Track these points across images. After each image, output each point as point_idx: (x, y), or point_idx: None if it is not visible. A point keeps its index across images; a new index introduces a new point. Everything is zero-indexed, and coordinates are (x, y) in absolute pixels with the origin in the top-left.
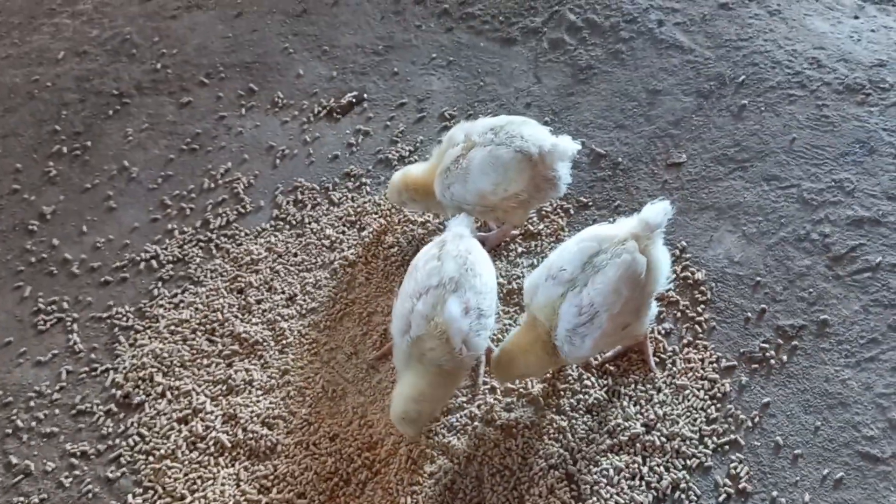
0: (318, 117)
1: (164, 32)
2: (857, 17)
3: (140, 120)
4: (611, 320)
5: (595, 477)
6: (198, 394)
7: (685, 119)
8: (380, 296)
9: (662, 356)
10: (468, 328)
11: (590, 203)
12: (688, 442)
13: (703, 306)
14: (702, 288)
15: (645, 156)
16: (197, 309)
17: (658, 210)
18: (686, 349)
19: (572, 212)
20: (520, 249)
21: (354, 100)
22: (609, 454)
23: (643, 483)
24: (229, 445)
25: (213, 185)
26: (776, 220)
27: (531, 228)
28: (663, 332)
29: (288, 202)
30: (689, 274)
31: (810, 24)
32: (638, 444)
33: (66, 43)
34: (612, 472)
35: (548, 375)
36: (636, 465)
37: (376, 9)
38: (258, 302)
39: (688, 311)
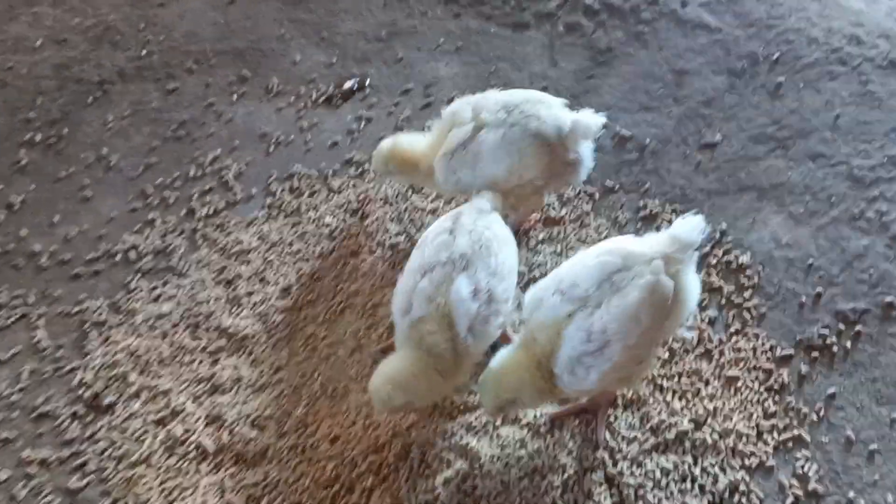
0: (317, 104)
1: (151, 20)
2: None
3: (122, 107)
4: (623, 352)
5: (639, 479)
6: (178, 393)
7: (717, 98)
8: (385, 286)
9: (708, 346)
10: (476, 313)
11: (616, 187)
12: (744, 439)
13: (750, 291)
14: (748, 272)
15: (675, 137)
16: (179, 302)
17: (691, 226)
18: (735, 337)
19: (597, 196)
20: (541, 236)
21: (356, 86)
22: (654, 454)
23: (695, 486)
24: (213, 450)
25: (200, 172)
26: (825, 199)
27: (553, 214)
28: (707, 320)
29: (283, 189)
30: (733, 258)
31: (844, 2)
32: (687, 443)
33: (45, 31)
34: (658, 473)
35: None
36: (686, 466)
37: None
38: (248, 294)
39: (733, 297)
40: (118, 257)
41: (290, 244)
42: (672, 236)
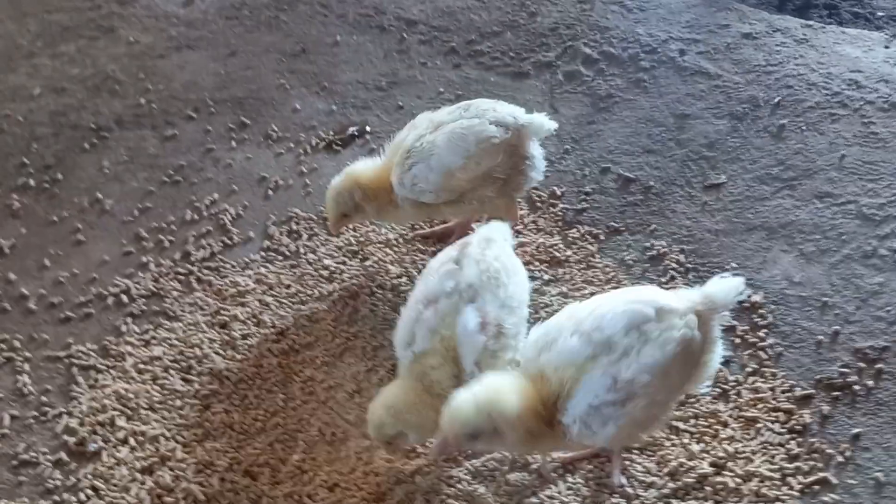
0: (317, 149)
1: (150, 70)
2: (887, 47)
3: (118, 153)
4: (647, 408)
5: None
6: (167, 439)
7: (720, 141)
8: (386, 329)
9: (724, 386)
10: (483, 348)
11: (622, 228)
12: (768, 483)
13: (764, 331)
14: (761, 311)
15: (679, 179)
16: (171, 345)
17: (728, 287)
18: (751, 378)
19: (602, 237)
20: (546, 277)
21: (356, 133)
22: (674, 500)
23: None
24: (203, 499)
25: (196, 216)
26: (836, 237)
27: (558, 255)
28: (722, 359)
29: (281, 232)
30: (745, 297)
31: (841, 50)
32: (708, 487)
33: (43, 81)
34: None
35: None
36: None
37: (379, 48)
38: (244, 337)
39: (747, 336)
40: (109, 301)
41: (288, 287)
42: (706, 295)
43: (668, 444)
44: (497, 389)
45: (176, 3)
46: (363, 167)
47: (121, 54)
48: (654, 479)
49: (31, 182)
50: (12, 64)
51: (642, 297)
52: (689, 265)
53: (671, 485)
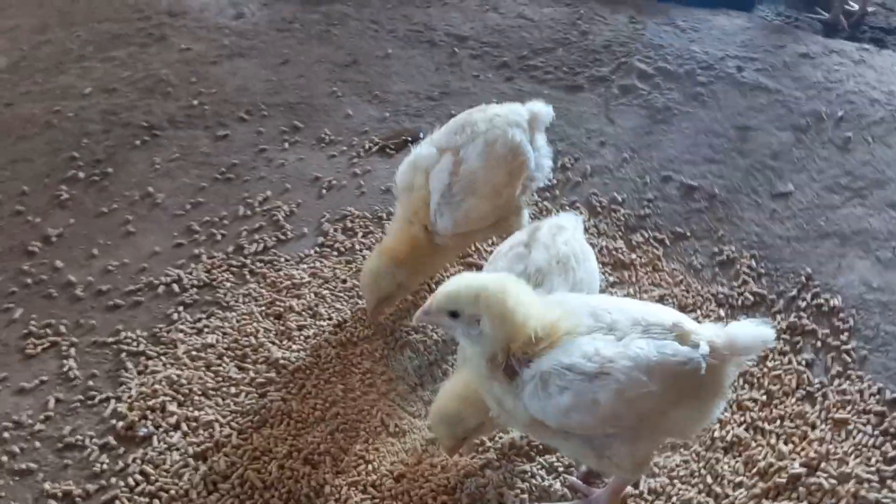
0: (370, 152)
1: (202, 75)
2: None
3: (170, 151)
4: (616, 407)
5: None
6: (222, 425)
7: (784, 152)
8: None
9: (809, 389)
10: None
11: (688, 234)
12: (866, 485)
13: (846, 334)
14: (841, 315)
15: (745, 187)
16: (225, 334)
17: (755, 334)
18: (837, 380)
19: (668, 242)
20: (612, 279)
21: (410, 138)
22: (764, 500)
23: None
24: (261, 485)
25: (248, 212)
26: None
27: (622, 258)
28: (804, 362)
29: (336, 230)
30: (823, 301)
31: None
32: (801, 488)
33: (94, 82)
34: None
35: None
36: None
37: (430, 61)
38: (300, 328)
39: (829, 339)
40: (160, 290)
41: (344, 281)
42: (730, 337)
43: (753, 444)
44: (502, 286)
45: (227, 15)
46: (390, 240)
47: (172, 60)
48: (742, 478)
49: (81, 175)
50: (62, 66)
51: (668, 312)
52: (761, 270)
53: (761, 485)
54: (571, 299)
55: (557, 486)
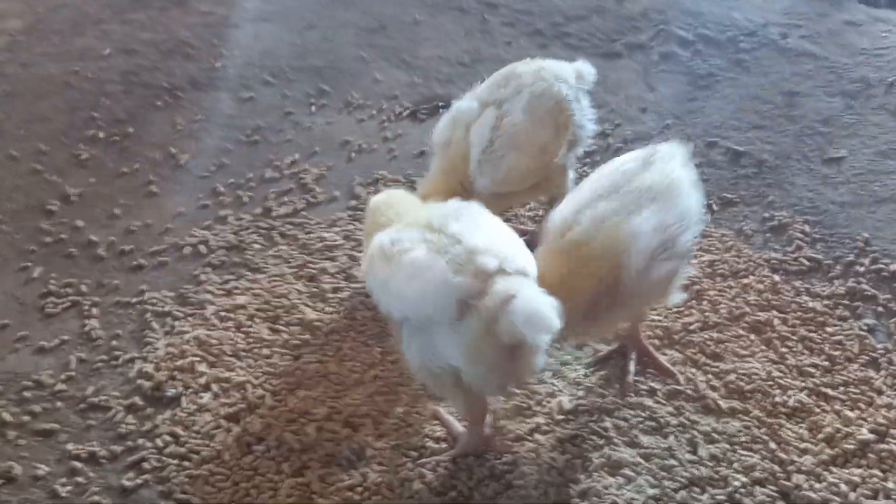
0: (400, 117)
1: (224, 38)
2: None
3: (192, 112)
4: None
5: (823, 494)
6: (255, 387)
7: (834, 117)
8: None
9: (872, 355)
10: (654, 251)
11: (736, 199)
12: None
13: None
14: None
15: (795, 153)
16: (256, 295)
17: (532, 318)
18: None
19: (716, 208)
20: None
21: (441, 103)
22: (832, 467)
23: (892, 502)
24: (298, 447)
25: (276, 175)
26: None
27: None
28: (865, 328)
29: (368, 192)
30: (883, 266)
31: None
32: (871, 455)
33: (113, 43)
34: (844, 487)
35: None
36: (876, 480)
37: (460, 28)
38: (335, 290)
39: (891, 304)
40: (186, 251)
41: None
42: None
43: (817, 410)
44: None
45: None
46: (426, 189)
47: (194, 23)
48: (808, 444)
49: (101, 134)
50: (79, 29)
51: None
52: (815, 235)
53: (828, 451)
54: (444, 208)
55: (608, 451)
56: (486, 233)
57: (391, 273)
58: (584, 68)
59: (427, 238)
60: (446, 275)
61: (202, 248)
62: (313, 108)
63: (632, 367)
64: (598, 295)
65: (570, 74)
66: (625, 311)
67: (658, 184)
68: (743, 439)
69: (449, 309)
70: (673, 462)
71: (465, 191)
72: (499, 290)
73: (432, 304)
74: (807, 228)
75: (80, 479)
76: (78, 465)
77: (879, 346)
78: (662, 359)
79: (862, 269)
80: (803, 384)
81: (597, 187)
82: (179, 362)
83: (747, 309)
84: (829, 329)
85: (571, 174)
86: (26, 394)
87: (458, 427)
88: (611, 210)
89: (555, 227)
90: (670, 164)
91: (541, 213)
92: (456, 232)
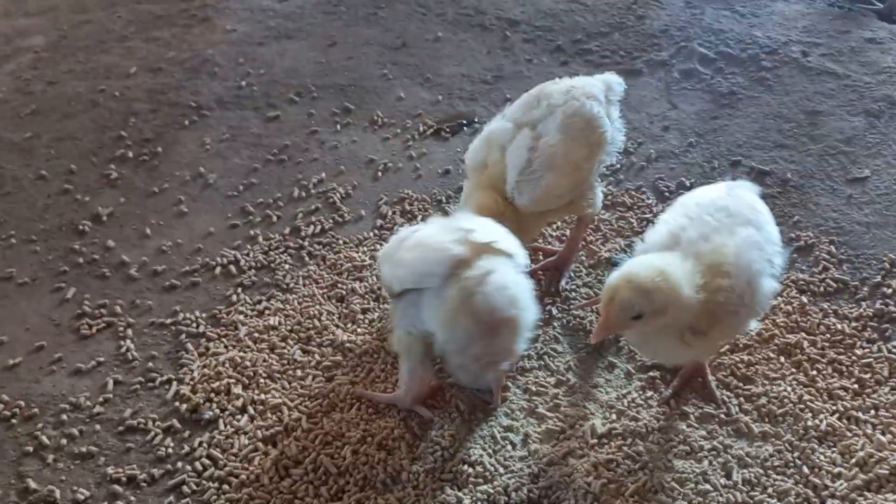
0: (424, 136)
1: (249, 56)
2: None
3: (220, 131)
4: None
5: None
6: (290, 409)
7: (857, 137)
8: None
9: None
10: (759, 268)
11: None
12: None
13: None
14: None
15: (818, 172)
16: (287, 316)
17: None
18: None
19: None
20: None
21: (465, 121)
22: (867, 492)
23: None
24: (335, 471)
25: (303, 194)
26: None
27: None
28: (895, 350)
29: (394, 212)
30: None
31: None
32: None
33: (138, 62)
34: None
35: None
36: None
37: (482, 45)
38: (364, 311)
39: None
40: (217, 271)
41: None
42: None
43: (849, 434)
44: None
45: None
46: (474, 205)
47: (218, 41)
48: (841, 469)
49: (130, 154)
50: (104, 46)
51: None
52: (842, 256)
53: (861, 476)
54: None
55: (643, 475)
56: (487, 225)
57: (399, 246)
58: (613, 80)
59: (442, 226)
60: (446, 243)
61: (233, 269)
62: (338, 127)
63: (675, 381)
64: (700, 317)
65: (601, 90)
66: (728, 331)
67: (744, 209)
68: (776, 464)
69: (443, 267)
70: (708, 487)
71: (506, 210)
72: (481, 265)
73: (430, 263)
74: (833, 249)
75: (120, 503)
76: (118, 488)
77: None
78: (713, 384)
79: (889, 290)
80: (834, 407)
81: (682, 214)
82: (215, 384)
83: (776, 331)
84: (857, 352)
85: (600, 190)
86: (64, 416)
87: (385, 395)
88: (705, 232)
89: (656, 241)
90: (748, 193)
91: (567, 233)
92: (462, 223)
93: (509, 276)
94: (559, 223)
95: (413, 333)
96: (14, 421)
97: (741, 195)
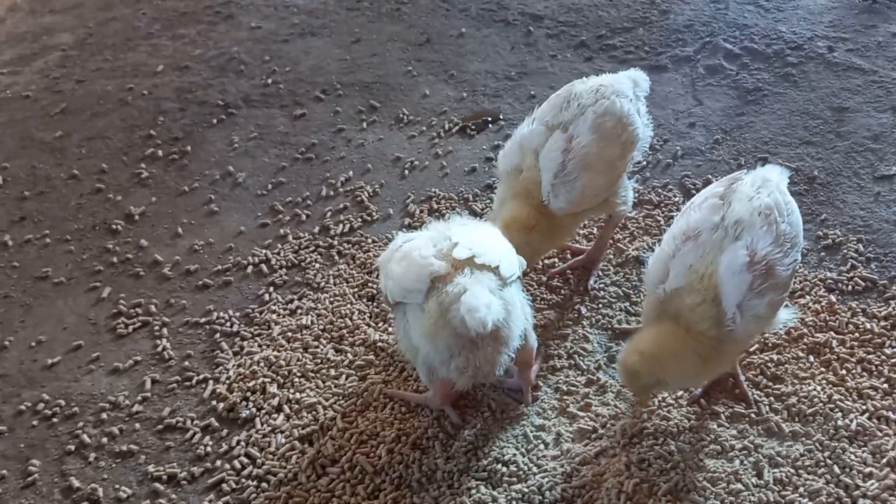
0: (450, 133)
1: (275, 53)
2: None
3: (247, 129)
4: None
5: None
6: (325, 408)
7: (885, 134)
8: (543, 308)
9: None
10: (749, 288)
11: None
12: None
13: None
14: None
15: (845, 170)
16: (319, 315)
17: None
18: None
19: None
20: None
21: (490, 118)
22: None
23: None
24: (371, 470)
25: (332, 192)
26: None
27: None
28: None
29: (422, 210)
30: None
31: None
32: None
33: (165, 59)
34: None
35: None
36: None
37: (505, 41)
38: None
39: None
40: (249, 270)
41: None
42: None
43: (880, 434)
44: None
45: None
46: (507, 214)
47: (243, 38)
48: (872, 469)
49: (160, 153)
50: (131, 44)
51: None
52: (869, 254)
53: (893, 476)
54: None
55: (675, 475)
56: (476, 234)
57: (392, 256)
58: (639, 76)
59: (431, 237)
60: (428, 258)
61: (264, 268)
62: (364, 125)
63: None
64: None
65: (629, 87)
66: (734, 348)
67: (744, 214)
68: (807, 463)
69: (423, 283)
70: (740, 486)
71: (543, 214)
72: (457, 281)
73: (412, 278)
74: (860, 247)
75: (162, 501)
76: (160, 486)
77: None
78: (745, 384)
79: None
80: (864, 407)
81: (683, 230)
82: (251, 383)
83: (805, 330)
84: (887, 351)
85: (630, 187)
86: (104, 415)
87: (417, 395)
88: (699, 253)
89: (652, 279)
90: (761, 194)
91: (595, 231)
92: (452, 233)
93: (484, 293)
94: (587, 221)
95: (409, 345)
96: (55, 420)
97: (742, 196)
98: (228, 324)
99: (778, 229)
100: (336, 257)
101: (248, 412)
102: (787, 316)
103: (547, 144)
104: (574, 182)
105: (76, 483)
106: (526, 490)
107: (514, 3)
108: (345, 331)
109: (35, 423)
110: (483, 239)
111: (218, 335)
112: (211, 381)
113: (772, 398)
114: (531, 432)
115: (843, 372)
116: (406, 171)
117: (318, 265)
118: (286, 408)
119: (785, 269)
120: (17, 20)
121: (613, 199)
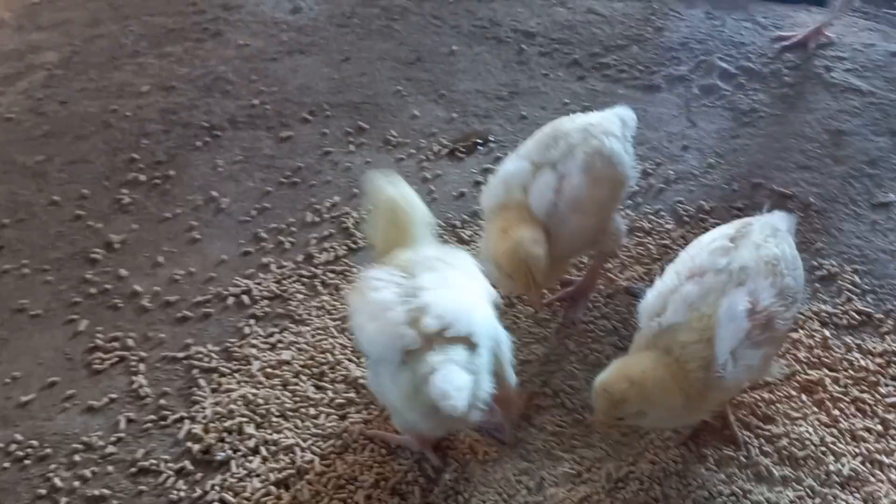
0: (439, 156)
1: (262, 72)
2: None
3: (233, 152)
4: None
5: None
6: (303, 450)
7: (882, 159)
8: (531, 343)
9: None
10: (745, 336)
11: None
12: None
13: None
14: None
15: (842, 196)
16: (300, 349)
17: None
18: None
19: None
20: None
21: (480, 140)
22: None
23: None
24: None
25: (316, 219)
26: None
27: None
28: None
29: None
30: None
31: None
32: None
33: (151, 79)
34: None
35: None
36: None
37: (497, 59)
38: None
39: None
40: (229, 301)
41: None
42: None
43: (872, 479)
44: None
45: (283, 9)
46: (508, 226)
47: (230, 56)
48: None
49: (142, 178)
50: (116, 62)
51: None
52: (865, 286)
53: None
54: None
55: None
56: (448, 290)
57: (360, 306)
58: (626, 114)
59: (398, 282)
60: (399, 326)
61: (245, 299)
62: (352, 147)
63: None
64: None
65: (617, 126)
66: (718, 395)
67: (750, 262)
68: None
69: (395, 354)
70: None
71: (524, 268)
72: (429, 359)
73: (383, 346)
74: (856, 279)
75: None
76: None
77: None
78: (735, 425)
79: None
80: (857, 450)
81: (688, 266)
82: (228, 423)
83: (797, 367)
84: (881, 390)
85: (622, 223)
86: (76, 457)
87: (397, 436)
88: (701, 293)
89: (648, 311)
90: (769, 243)
91: (586, 261)
92: (422, 284)
93: (454, 374)
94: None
95: (383, 397)
96: (27, 462)
97: (750, 243)
98: (207, 359)
99: (782, 282)
100: (319, 287)
101: (224, 454)
102: (776, 371)
103: (536, 183)
104: (564, 224)
105: None
106: None
107: (506, 19)
108: (325, 367)
109: (7, 465)
110: (454, 297)
111: (196, 371)
112: (187, 421)
113: (762, 440)
114: (513, 476)
115: (837, 412)
116: None
117: (300, 296)
118: (263, 450)
119: (784, 323)
120: (3, 38)
121: (604, 238)
